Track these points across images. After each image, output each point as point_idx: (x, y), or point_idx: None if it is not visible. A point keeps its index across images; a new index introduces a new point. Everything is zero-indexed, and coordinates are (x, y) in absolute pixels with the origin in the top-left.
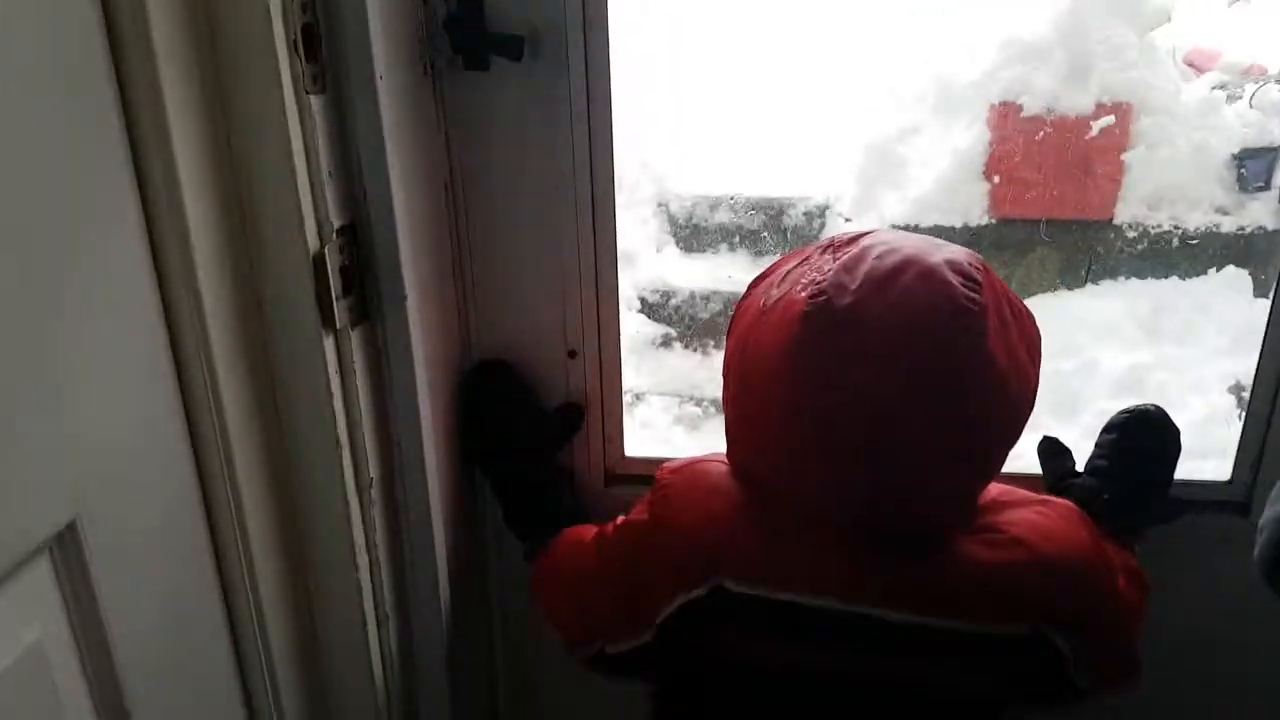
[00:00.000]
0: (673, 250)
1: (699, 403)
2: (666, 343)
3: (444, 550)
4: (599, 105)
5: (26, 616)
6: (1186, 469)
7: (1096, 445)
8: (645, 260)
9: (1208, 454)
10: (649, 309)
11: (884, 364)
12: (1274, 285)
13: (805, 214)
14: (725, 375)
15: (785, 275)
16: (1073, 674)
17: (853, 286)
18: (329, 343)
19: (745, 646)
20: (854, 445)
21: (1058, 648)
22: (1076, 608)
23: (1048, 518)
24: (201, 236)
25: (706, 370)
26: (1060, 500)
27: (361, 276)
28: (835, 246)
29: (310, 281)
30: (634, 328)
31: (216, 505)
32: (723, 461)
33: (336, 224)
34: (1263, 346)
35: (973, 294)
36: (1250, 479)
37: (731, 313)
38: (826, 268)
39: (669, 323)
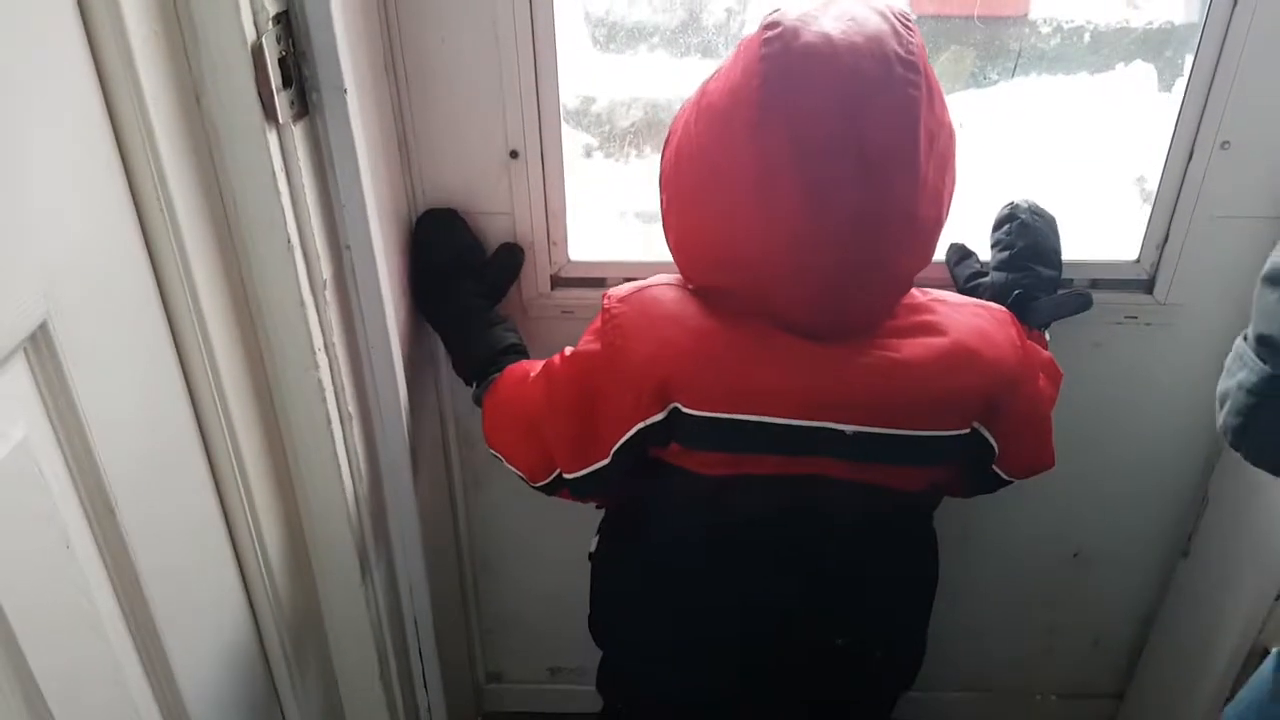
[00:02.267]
0: (590, 50)
1: (622, 215)
2: (588, 153)
3: (399, 352)
4: None
5: (11, 415)
6: (1095, 250)
7: (992, 245)
8: (564, 62)
9: (1116, 238)
10: (570, 116)
11: (844, 73)
12: (1181, 77)
13: (726, 9)
14: (666, 184)
15: (714, 75)
16: (996, 465)
17: (811, 20)
18: (272, 137)
19: (692, 457)
20: (827, 165)
21: (990, 443)
22: (1009, 409)
23: (984, 319)
24: (138, 33)
25: (629, 180)
26: (994, 305)
27: (299, 68)
28: (764, 27)
29: (250, 72)
30: None
31: (176, 305)
32: (670, 283)
33: (272, 10)
34: (1173, 135)
35: (905, 52)
36: (1156, 258)
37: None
38: (768, 34)
39: (589, 131)
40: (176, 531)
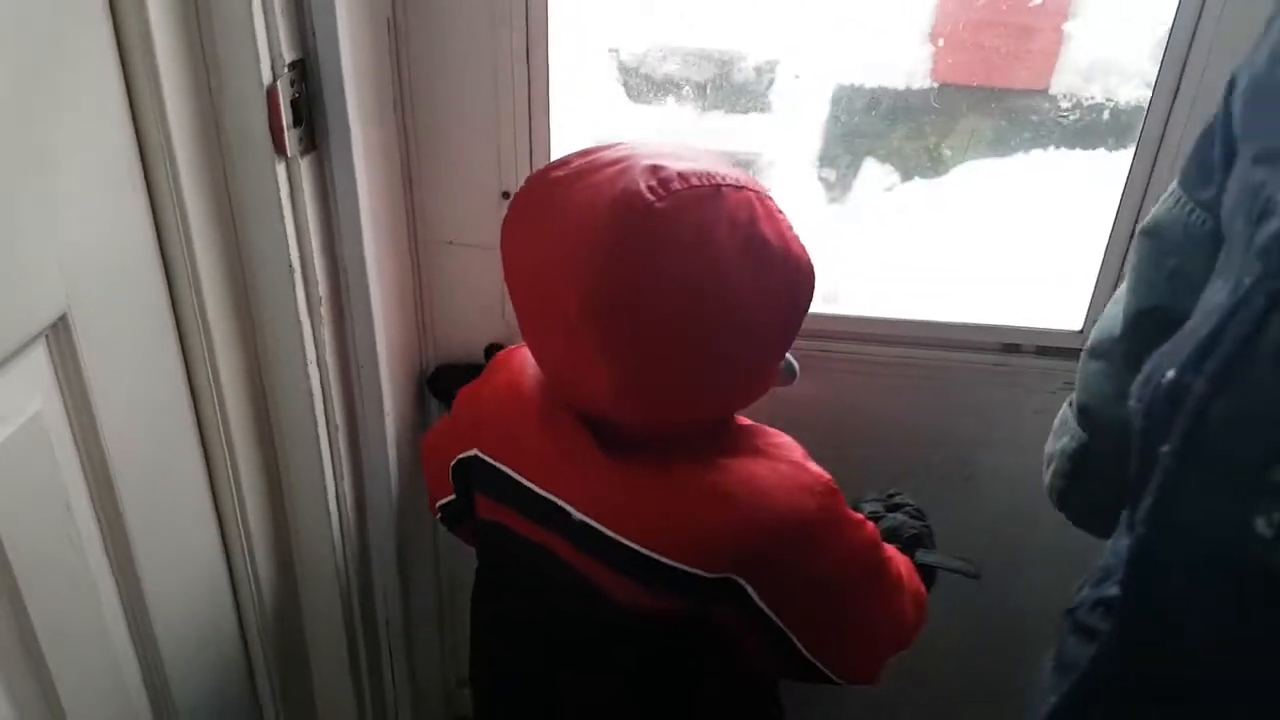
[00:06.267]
0: (621, 99)
1: None
2: None
3: (388, 368)
4: None
5: (29, 390)
6: (1041, 319)
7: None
8: (593, 107)
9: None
10: None
11: (554, 237)
12: (1132, 158)
13: (755, 69)
14: None
15: None
16: (802, 646)
17: (570, 165)
18: (280, 169)
19: (493, 509)
20: (531, 312)
21: (761, 609)
22: (784, 574)
23: (775, 473)
24: (169, 69)
25: None
26: (810, 470)
27: (310, 109)
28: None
29: (264, 111)
30: None
31: (184, 310)
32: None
33: (288, 59)
34: (1118, 208)
35: (654, 197)
36: None
37: None
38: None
39: None
40: (169, 507)
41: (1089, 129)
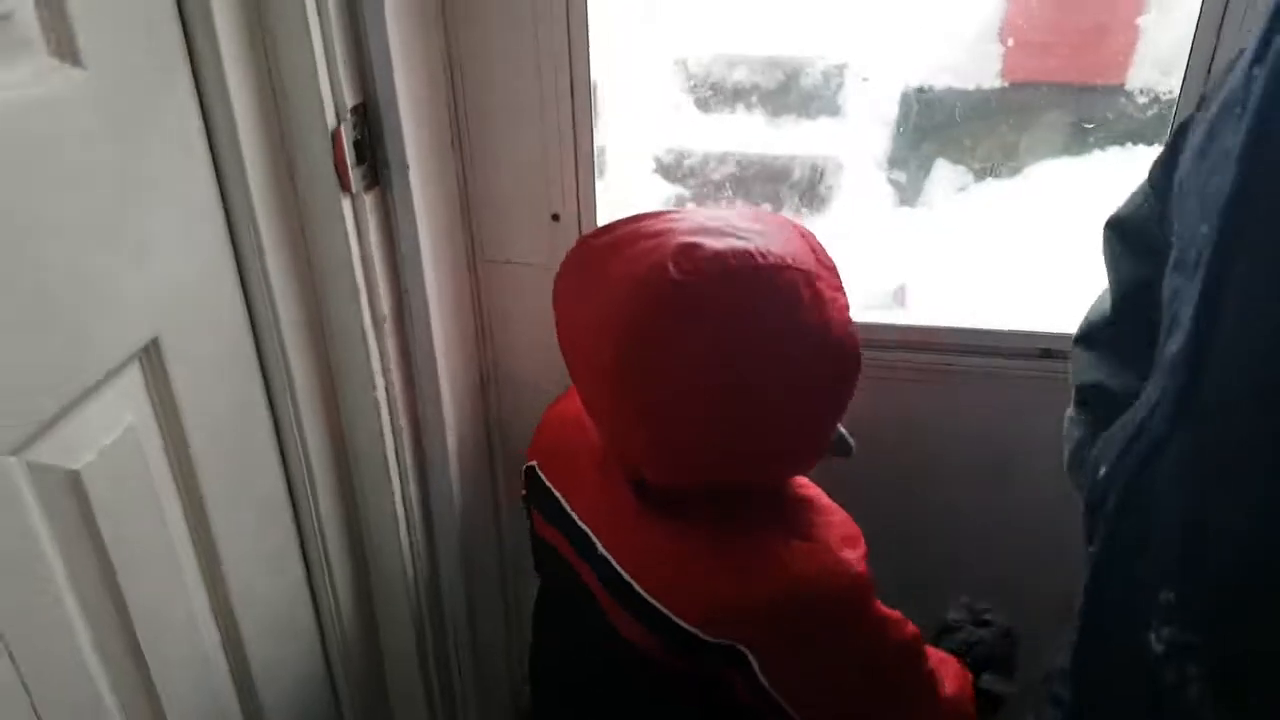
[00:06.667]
0: (690, 109)
1: None
2: (680, 203)
3: (447, 375)
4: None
5: (125, 405)
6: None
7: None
8: (663, 120)
9: None
10: (664, 170)
11: (593, 303)
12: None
13: (823, 73)
14: None
15: None
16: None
17: (614, 233)
18: (346, 204)
19: (544, 527)
20: (578, 370)
21: (765, 688)
22: (771, 659)
23: (800, 554)
24: (244, 118)
25: None
26: (841, 558)
27: (373, 148)
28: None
29: (329, 152)
30: (649, 188)
31: (262, 333)
32: None
33: (350, 104)
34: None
35: (680, 273)
36: None
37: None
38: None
39: (683, 183)
40: (251, 511)
41: (1168, 124)
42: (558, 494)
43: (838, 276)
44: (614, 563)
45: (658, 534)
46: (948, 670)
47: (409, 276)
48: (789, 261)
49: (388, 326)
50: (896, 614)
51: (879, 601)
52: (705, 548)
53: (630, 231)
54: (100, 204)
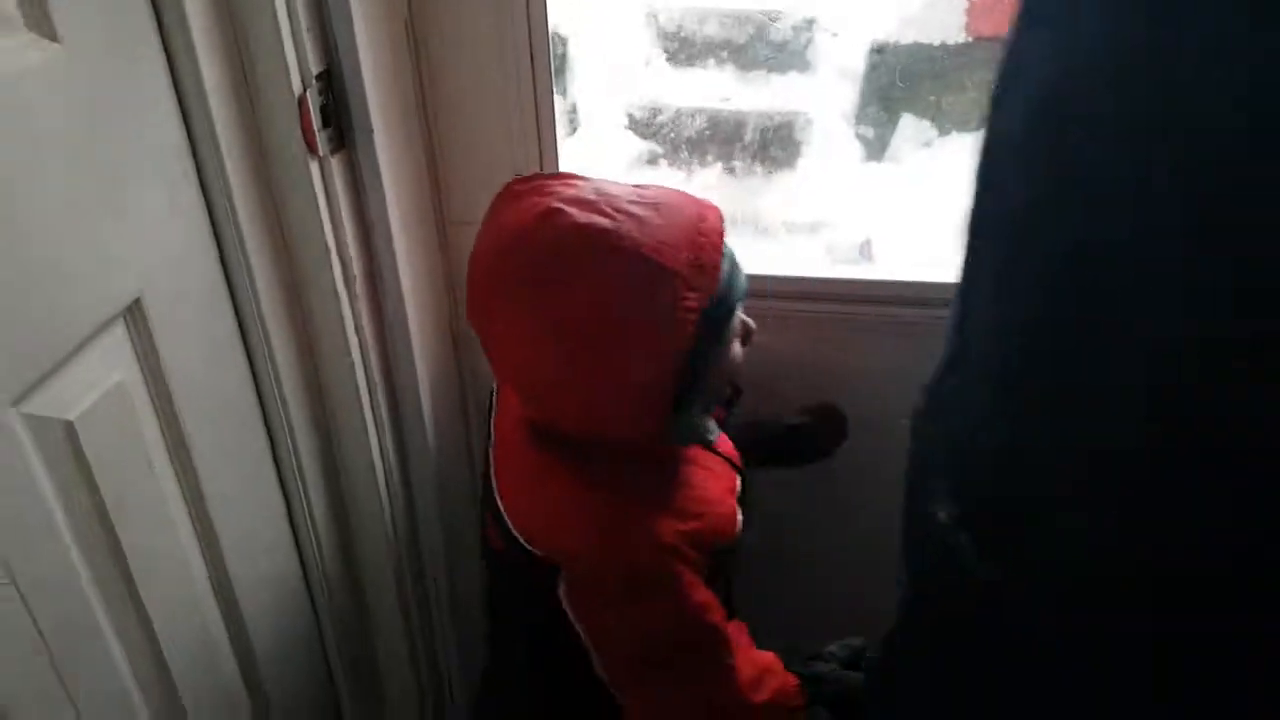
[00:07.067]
0: (661, 64)
1: None
2: (653, 160)
3: (418, 332)
4: None
5: (111, 363)
6: None
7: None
8: (635, 74)
9: None
10: (636, 125)
11: (483, 242)
12: None
13: (793, 28)
14: None
15: None
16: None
17: (528, 184)
18: (314, 166)
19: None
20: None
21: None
22: (567, 583)
23: (617, 509)
24: (213, 86)
25: (688, 188)
26: (653, 527)
27: (339, 113)
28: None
29: (296, 117)
30: (621, 144)
31: (239, 292)
32: None
33: (315, 70)
34: None
35: (533, 237)
36: None
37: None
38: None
39: (655, 139)
40: (235, 459)
41: None
42: (493, 417)
43: (707, 276)
44: (494, 479)
45: (527, 461)
46: (768, 680)
47: (378, 236)
48: (645, 251)
49: (359, 286)
50: (705, 597)
51: (688, 578)
52: (554, 487)
53: (538, 185)
54: (80, 170)
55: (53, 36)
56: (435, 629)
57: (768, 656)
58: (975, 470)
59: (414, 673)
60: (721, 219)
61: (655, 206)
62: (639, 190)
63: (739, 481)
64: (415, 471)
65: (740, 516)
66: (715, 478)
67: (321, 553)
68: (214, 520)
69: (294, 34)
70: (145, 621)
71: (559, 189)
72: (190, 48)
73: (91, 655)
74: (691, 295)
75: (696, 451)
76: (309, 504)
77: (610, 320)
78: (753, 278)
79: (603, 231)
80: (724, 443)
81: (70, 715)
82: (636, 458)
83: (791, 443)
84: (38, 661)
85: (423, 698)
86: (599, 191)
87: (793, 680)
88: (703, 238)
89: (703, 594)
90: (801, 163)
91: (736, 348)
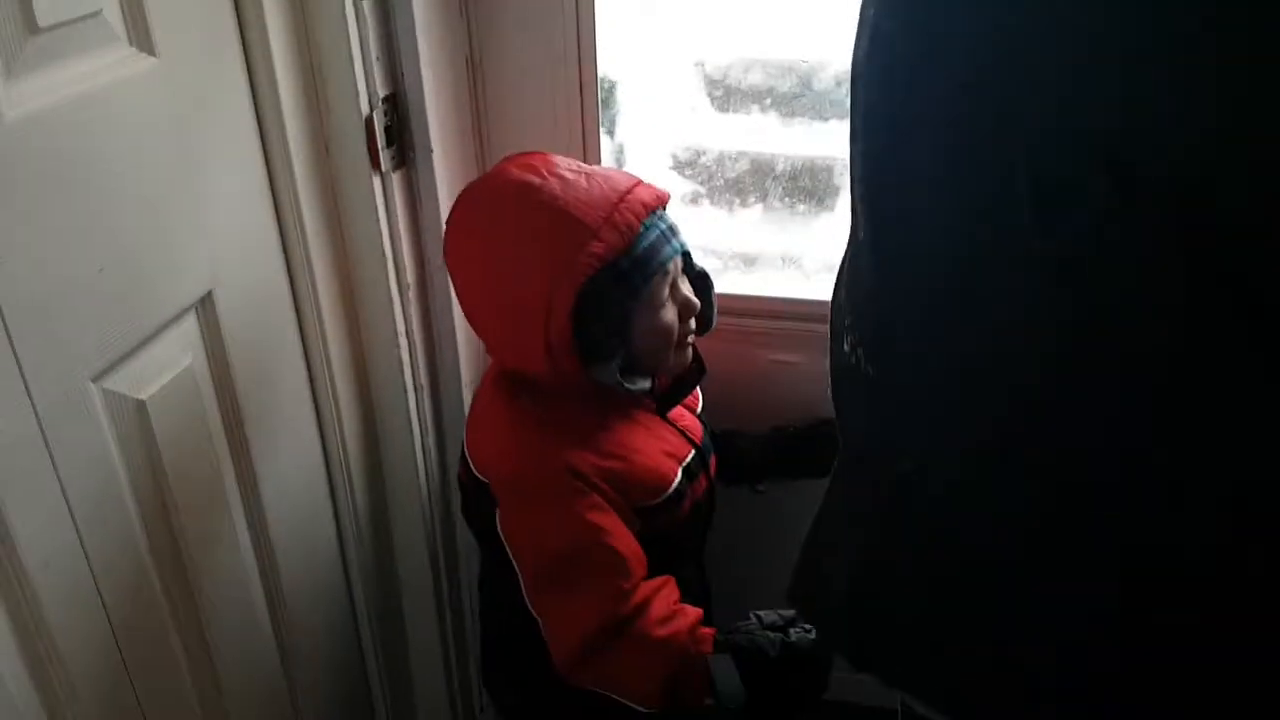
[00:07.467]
0: (707, 110)
1: (719, 256)
2: (695, 199)
3: (464, 340)
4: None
5: (184, 349)
6: None
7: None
8: (681, 119)
9: None
10: (680, 166)
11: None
12: None
13: (835, 78)
14: None
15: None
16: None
17: (513, 162)
18: (376, 181)
19: None
20: None
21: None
22: (503, 499)
23: (535, 433)
24: (289, 104)
25: (728, 226)
26: (560, 452)
27: (401, 133)
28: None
29: (363, 136)
30: (665, 184)
31: (300, 292)
32: None
33: (382, 94)
34: None
35: (476, 188)
36: None
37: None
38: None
39: (697, 180)
40: (285, 444)
41: None
42: None
43: (618, 233)
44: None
45: (485, 400)
46: (678, 621)
47: (431, 248)
48: (559, 204)
49: (411, 293)
50: (606, 523)
51: (592, 501)
52: (496, 418)
53: (513, 156)
54: (169, 173)
55: (151, 51)
56: (466, 628)
57: (693, 610)
58: (861, 308)
59: (444, 668)
60: (658, 198)
61: (589, 176)
62: (586, 166)
63: (693, 455)
64: (452, 467)
65: (679, 485)
66: (654, 438)
67: (360, 535)
68: (264, 502)
69: (364, 59)
70: (197, 592)
71: (523, 159)
72: (270, 68)
73: (146, 623)
74: (598, 244)
75: (644, 415)
76: (351, 489)
77: (523, 258)
78: (794, 302)
79: (530, 186)
80: (684, 416)
81: (122, 675)
82: (575, 401)
83: (818, 444)
84: (97, 620)
85: (451, 690)
86: (547, 161)
87: (706, 631)
88: (624, 203)
89: (605, 520)
90: (839, 204)
91: (669, 315)
